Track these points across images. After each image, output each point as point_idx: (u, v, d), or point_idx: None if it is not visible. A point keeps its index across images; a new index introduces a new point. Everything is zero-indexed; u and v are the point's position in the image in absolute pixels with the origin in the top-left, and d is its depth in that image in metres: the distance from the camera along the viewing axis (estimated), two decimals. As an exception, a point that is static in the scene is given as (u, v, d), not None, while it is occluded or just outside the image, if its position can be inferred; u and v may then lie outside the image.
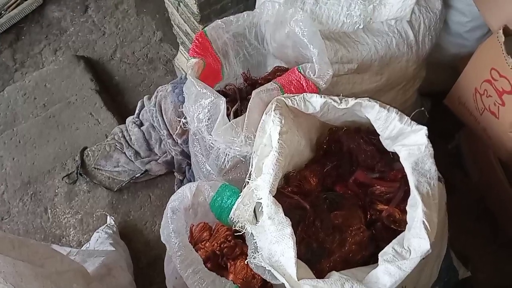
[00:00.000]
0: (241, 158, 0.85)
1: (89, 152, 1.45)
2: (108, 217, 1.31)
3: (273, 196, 0.73)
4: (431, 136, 0.78)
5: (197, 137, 0.91)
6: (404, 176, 0.84)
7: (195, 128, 0.83)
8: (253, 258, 0.77)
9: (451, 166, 1.34)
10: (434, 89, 1.32)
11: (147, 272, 1.26)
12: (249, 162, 0.80)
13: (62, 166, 1.44)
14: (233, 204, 0.81)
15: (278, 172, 0.74)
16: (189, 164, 1.33)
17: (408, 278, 0.84)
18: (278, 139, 0.76)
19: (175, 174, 1.39)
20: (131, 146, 1.41)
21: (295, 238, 0.69)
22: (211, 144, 0.84)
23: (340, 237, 0.82)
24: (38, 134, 1.59)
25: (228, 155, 0.84)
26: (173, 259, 0.81)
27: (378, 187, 0.84)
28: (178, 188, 1.37)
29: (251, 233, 0.79)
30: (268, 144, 0.79)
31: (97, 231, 1.25)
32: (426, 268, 0.90)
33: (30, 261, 0.87)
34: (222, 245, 0.99)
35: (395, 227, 0.82)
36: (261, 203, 0.75)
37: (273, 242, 0.70)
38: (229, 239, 1.00)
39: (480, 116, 0.98)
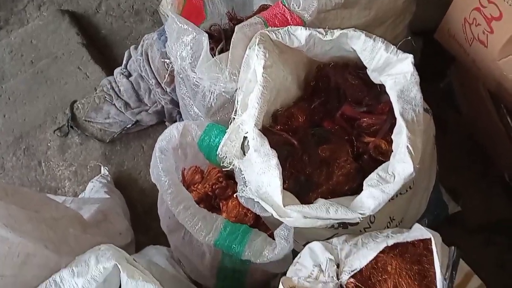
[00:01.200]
0: (227, 96, 0.84)
1: (79, 105, 1.44)
2: (102, 167, 1.31)
3: (259, 130, 0.73)
4: (423, 75, 0.77)
5: (181, 76, 0.90)
6: (391, 109, 0.84)
7: (179, 67, 0.82)
8: (242, 192, 0.78)
9: (443, 104, 1.34)
10: (426, 26, 1.29)
11: (143, 219, 1.28)
12: (235, 100, 0.80)
13: (53, 120, 1.43)
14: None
15: (263, 106, 0.74)
16: (180, 113, 1.32)
17: (396, 208, 0.86)
18: (263, 73, 0.75)
19: (166, 123, 1.39)
20: (120, 98, 1.40)
21: (280, 169, 0.69)
22: (196, 83, 0.83)
23: (327, 170, 0.82)
24: (27, 90, 1.58)
25: (214, 93, 0.83)
26: (164, 198, 0.82)
27: (365, 119, 0.84)
28: (171, 138, 1.36)
29: (239, 168, 0.80)
30: (253, 80, 0.78)
31: (91, 181, 1.26)
32: (414, 200, 0.92)
33: (24, 207, 0.88)
34: (214, 186, 1.01)
35: (381, 158, 0.82)
36: (247, 139, 0.76)
37: (260, 173, 0.71)
38: (220, 180, 1.01)
39: (469, 47, 0.96)
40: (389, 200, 0.83)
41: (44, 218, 0.90)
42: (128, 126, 1.37)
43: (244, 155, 0.78)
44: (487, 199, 1.27)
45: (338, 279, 0.59)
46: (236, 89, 0.80)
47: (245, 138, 0.77)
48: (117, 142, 1.38)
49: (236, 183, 1.03)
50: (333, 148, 0.83)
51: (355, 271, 0.59)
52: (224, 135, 0.83)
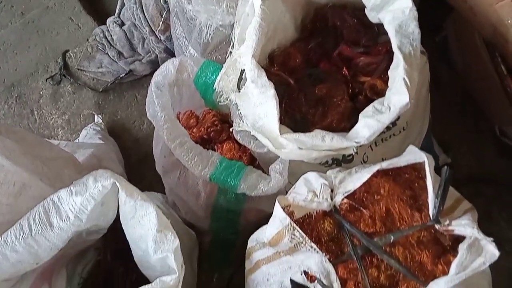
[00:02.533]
0: (224, 31, 0.83)
1: (71, 54, 1.42)
2: (96, 115, 1.31)
3: (256, 62, 0.73)
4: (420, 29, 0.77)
5: (177, 11, 0.89)
6: (388, 50, 0.84)
7: (175, 1, 0.80)
8: (238, 126, 0.78)
9: (437, 61, 1.34)
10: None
11: (137, 168, 1.28)
12: (232, 34, 0.79)
13: (44, 69, 1.41)
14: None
15: (261, 38, 0.74)
16: (174, 62, 1.31)
17: (389, 150, 0.87)
18: (261, 4, 0.75)
19: (161, 74, 1.37)
20: (113, 47, 1.38)
21: (277, 99, 0.70)
22: (193, 16, 0.81)
23: (323, 109, 0.83)
24: (18, 40, 1.55)
25: (210, 27, 0.82)
26: (160, 133, 0.82)
27: (362, 58, 0.84)
28: (164, 88, 1.35)
29: (235, 103, 0.80)
30: (251, 13, 0.77)
31: (85, 128, 1.26)
32: (407, 143, 0.92)
33: (19, 144, 0.87)
34: (209, 130, 1.01)
35: (376, 98, 0.83)
36: (244, 72, 0.75)
37: (257, 104, 0.71)
38: (215, 123, 1.01)
39: (467, -7, 0.96)
40: (382, 141, 0.85)
41: (39, 155, 0.90)
42: (121, 76, 1.35)
43: (239, 90, 0.78)
44: (477, 152, 1.30)
45: (332, 200, 0.60)
46: (233, 23, 0.79)
47: (241, 73, 0.77)
48: (110, 92, 1.37)
49: (230, 127, 1.04)
50: (329, 87, 0.83)
51: (348, 192, 0.60)
52: (220, 71, 0.83)
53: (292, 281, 0.54)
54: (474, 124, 1.31)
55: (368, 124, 0.67)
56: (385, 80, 0.81)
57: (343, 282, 0.55)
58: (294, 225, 0.57)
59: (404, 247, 0.56)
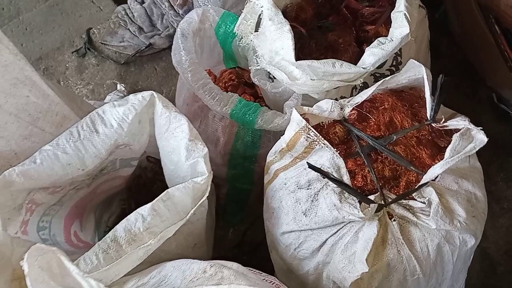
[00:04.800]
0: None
1: (95, 31, 1.52)
2: (118, 84, 1.40)
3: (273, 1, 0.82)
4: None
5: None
6: (390, 2, 0.93)
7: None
8: (256, 65, 0.87)
9: (438, 34, 1.43)
10: None
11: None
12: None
13: (70, 43, 1.51)
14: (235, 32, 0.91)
15: (276, -15, 0.83)
16: (191, 35, 1.41)
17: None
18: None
19: (178, 47, 1.47)
20: (134, 22, 1.48)
21: (292, 33, 0.79)
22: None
23: (332, 54, 0.92)
24: (43, 21, 1.65)
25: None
26: (184, 77, 0.91)
27: (367, 8, 0.93)
28: (182, 61, 1.44)
29: (253, 48, 0.89)
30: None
31: (109, 94, 1.35)
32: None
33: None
34: (226, 85, 1.10)
35: (381, 44, 0.91)
36: (261, 16, 0.84)
37: (274, 39, 0.80)
38: (232, 78, 1.10)
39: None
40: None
41: (75, 100, 0.99)
42: (141, 49, 1.45)
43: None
44: (476, 118, 1.37)
45: (341, 111, 0.69)
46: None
47: (259, 17, 0.86)
48: (131, 64, 1.47)
49: (245, 84, 1.13)
50: (338, 34, 0.92)
51: (356, 104, 0.68)
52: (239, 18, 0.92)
53: (309, 164, 0.62)
54: (472, 91, 1.40)
55: (373, 52, 0.75)
56: (388, 28, 0.90)
57: (352, 175, 0.63)
58: (309, 126, 0.65)
59: (405, 146, 0.64)
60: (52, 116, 0.83)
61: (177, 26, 1.42)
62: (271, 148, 1.03)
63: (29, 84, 0.77)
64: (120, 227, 0.65)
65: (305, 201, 0.65)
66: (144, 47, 1.46)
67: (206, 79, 0.90)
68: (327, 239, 0.64)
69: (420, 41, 0.97)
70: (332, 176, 0.61)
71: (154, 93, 0.68)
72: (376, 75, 0.88)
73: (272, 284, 0.57)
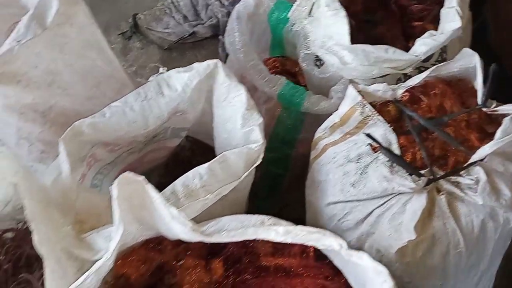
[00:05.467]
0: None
1: (141, 16, 1.58)
2: (161, 68, 1.44)
3: None
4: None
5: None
6: (440, 2, 0.97)
7: None
8: (307, 50, 0.91)
9: (473, 43, 1.46)
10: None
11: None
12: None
13: (116, 27, 1.58)
14: (288, 17, 0.96)
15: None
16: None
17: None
18: None
19: (220, 37, 1.52)
20: (179, 11, 1.54)
21: (348, 19, 0.83)
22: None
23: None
24: (89, 7, 1.72)
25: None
26: (236, 58, 0.96)
27: (417, 5, 0.97)
28: (222, 51, 1.50)
29: (304, 35, 0.93)
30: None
31: (152, 76, 1.40)
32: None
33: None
34: (270, 71, 1.14)
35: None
36: (314, 3, 0.89)
37: (329, 25, 0.84)
38: (277, 65, 1.15)
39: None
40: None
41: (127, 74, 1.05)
42: (185, 36, 1.51)
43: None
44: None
45: (394, 91, 0.72)
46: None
47: (313, 4, 0.90)
48: (174, 50, 1.52)
49: (289, 73, 1.17)
50: (387, 27, 0.96)
51: (408, 87, 0.72)
52: (290, 9, 0.97)
53: (367, 134, 0.65)
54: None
55: (425, 42, 0.79)
56: (436, 26, 0.94)
57: (402, 151, 0.66)
58: (365, 102, 0.69)
59: (455, 128, 0.67)
60: (113, 82, 0.88)
61: (221, 17, 1.48)
62: (311, 134, 1.06)
63: (97, 49, 0.83)
64: (178, 182, 0.69)
65: (353, 173, 0.68)
66: (187, 35, 1.51)
67: (256, 60, 0.95)
68: (373, 210, 0.67)
69: (464, 42, 1.00)
70: (387, 148, 0.65)
71: (219, 61, 0.73)
72: (421, 69, 0.91)
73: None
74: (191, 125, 0.91)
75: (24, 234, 0.79)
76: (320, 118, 0.92)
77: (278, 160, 1.14)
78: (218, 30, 1.52)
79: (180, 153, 1.20)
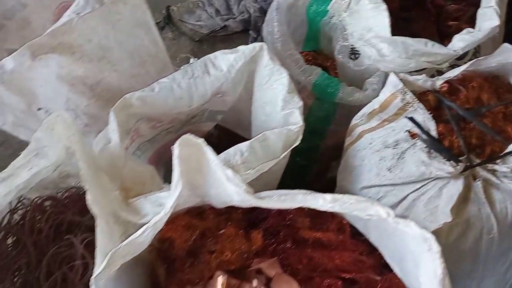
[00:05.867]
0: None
1: (174, 8, 1.62)
2: (191, 58, 1.48)
3: None
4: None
5: None
6: (475, 2, 0.99)
7: None
8: (344, 42, 0.94)
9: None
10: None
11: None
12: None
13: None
14: (327, 10, 0.99)
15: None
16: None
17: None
18: None
19: (250, 32, 1.56)
20: (212, 5, 1.58)
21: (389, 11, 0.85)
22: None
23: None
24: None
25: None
26: (273, 47, 0.99)
27: (452, 5, 0.99)
28: (252, 45, 1.52)
29: (341, 28, 0.96)
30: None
31: (182, 66, 1.44)
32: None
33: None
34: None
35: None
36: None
37: (369, 17, 0.86)
38: (309, 59, 1.17)
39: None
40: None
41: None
42: (216, 29, 1.55)
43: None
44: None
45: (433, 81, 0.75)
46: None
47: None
48: (204, 42, 1.56)
49: (320, 66, 1.20)
50: (423, 25, 0.99)
51: (447, 78, 0.74)
52: (330, 2, 0.99)
53: (409, 117, 0.67)
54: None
55: (463, 38, 0.81)
56: (471, 27, 0.96)
57: (440, 139, 0.68)
58: (406, 89, 0.71)
59: (492, 119, 0.69)
60: (157, 62, 0.92)
61: (253, 12, 1.52)
62: (341, 126, 1.09)
63: (146, 28, 0.86)
64: (220, 158, 0.71)
65: (390, 158, 0.71)
66: (218, 28, 1.55)
67: (293, 50, 0.98)
68: (408, 195, 0.69)
69: (497, 43, 1.02)
70: (427, 132, 0.67)
71: (264, 44, 0.76)
72: (455, 67, 0.94)
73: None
74: (228, 109, 0.93)
75: (65, 202, 0.82)
76: (352, 110, 0.94)
77: (306, 150, 1.16)
78: (249, 25, 1.55)
79: (208, 139, 1.23)
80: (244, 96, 0.91)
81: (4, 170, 0.63)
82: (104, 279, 0.50)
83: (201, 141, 0.52)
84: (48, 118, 0.61)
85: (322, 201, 0.51)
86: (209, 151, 0.52)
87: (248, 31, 1.57)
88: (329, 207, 0.51)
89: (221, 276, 0.57)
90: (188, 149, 0.52)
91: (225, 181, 0.52)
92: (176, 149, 0.51)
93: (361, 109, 0.87)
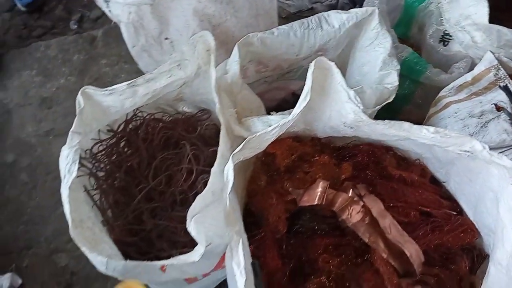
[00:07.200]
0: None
1: (267, -15, 1.74)
2: (277, 32, 1.60)
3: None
4: None
5: None
6: None
7: None
8: (437, 26, 1.02)
9: None
10: None
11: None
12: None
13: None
14: (425, -3, 1.07)
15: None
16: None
17: None
18: None
19: (335, 17, 1.65)
20: (304, -13, 1.69)
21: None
22: None
23: None
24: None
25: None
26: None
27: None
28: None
29: (439, 11, 1.04)
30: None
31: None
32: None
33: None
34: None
35: None
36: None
37: (468, 6, 0.94)
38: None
39: None
40: None
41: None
42: (303, 9, 1.65)
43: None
44: None
45: None
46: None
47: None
48: (290, 19, 1.62)
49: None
50: (513, 23, 1.05)
51: None
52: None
53: (504, 86, 0.75)
54: None
55: None
56: None
57: (524, 113, 0.76)
58: (500, 66, 0.79)
59: None
60: (267, 18, 1.03)
61: (341, -2, 1.61)
62: (417, 107, 1.16)
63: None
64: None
65: (474, 126, 0.79)
66: (305, 9, 1.66)
67: (388, 27, 1.06)
68: (486, 160, 0.76)
69: None
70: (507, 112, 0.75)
71: (376, 9, 0.85)
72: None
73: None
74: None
75: (176, 121, 0.95)
76: (430, 95, 1.02)
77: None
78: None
79: (283, 105, 1.34)
80: (338, 61, 1.01)
81: (151, 72, 0.75)
82: (235, 161, 0.60)
83: (332, 64, 0.62)
84: (195, 35, 0.73)
85: (425, 131, 0.60)
86: (338, 73, 0.62)
87: (333, 16, 1.66)
88: (431, 137, 0.60)
89: (323, 181, 0.67)
90: (320, 71, 0.62)
91: (345, 100, 0.62)
92: (311, 67, 0.62)
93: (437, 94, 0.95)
